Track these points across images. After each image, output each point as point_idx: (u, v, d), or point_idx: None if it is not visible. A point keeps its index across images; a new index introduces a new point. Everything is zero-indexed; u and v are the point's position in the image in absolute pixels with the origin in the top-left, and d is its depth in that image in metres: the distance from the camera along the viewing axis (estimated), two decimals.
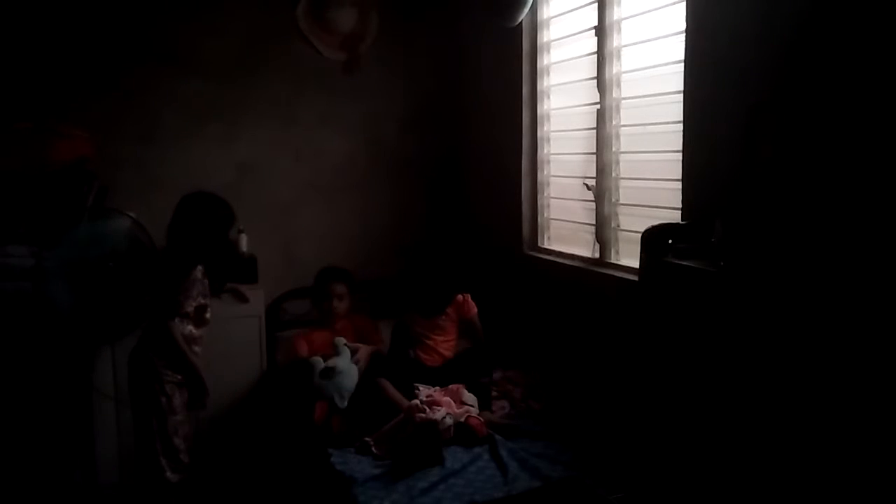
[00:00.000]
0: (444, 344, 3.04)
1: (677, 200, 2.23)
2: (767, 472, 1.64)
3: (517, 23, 2.96)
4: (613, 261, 2.67)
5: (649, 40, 2.39)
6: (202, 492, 2.77)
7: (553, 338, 2.97)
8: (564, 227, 3.06)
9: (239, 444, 3.11)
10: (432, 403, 2.57)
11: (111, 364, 2.87)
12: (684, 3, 2.16)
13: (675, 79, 2.22)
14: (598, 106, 2.63)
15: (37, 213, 2.77)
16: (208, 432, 2.95)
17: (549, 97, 3.09)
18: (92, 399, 2.84)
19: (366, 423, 2.62)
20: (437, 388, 2.74)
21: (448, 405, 2.58)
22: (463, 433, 2.48)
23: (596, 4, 2.63)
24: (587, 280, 2.72)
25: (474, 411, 2.60)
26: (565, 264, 2.91)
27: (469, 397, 2.68)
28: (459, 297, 3.11)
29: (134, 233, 2.63)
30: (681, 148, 2.20)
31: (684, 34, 2.16)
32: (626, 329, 2.33)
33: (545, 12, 3.06)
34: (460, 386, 2.73)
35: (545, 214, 3.18)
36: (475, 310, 3.12)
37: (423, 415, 2.47)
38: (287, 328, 3.37)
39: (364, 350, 2.97)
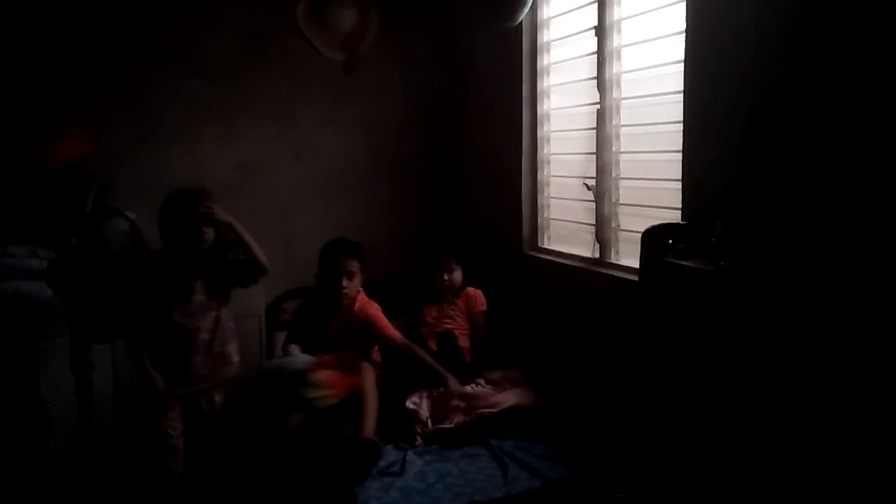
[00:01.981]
0: (452, 329, 3.09)
1: (677, 200, 2.23)
2: (767, 472, 1.64)
3: (517, 23, 2.96)
4: (613, 261, 2.67)
5: (649, 40, 2.39)
6: (202, 490, 2.76)
7: (553, 338, 2.97)
8: (564, 227, 3.06)
9: (238, 443, 3.10)
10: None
11: (111, 364, 2.86)
12: (684, 3, 2.16)
13: (675, 79, 2.22)
14: (598, 106, 2.63)
15: (37, 213, 2.76)
16: (208, 431, 2.94)
17: (549, 97, 3.09)
18: (93, 399, 2.83)
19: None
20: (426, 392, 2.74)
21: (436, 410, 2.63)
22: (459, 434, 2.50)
23: (596, 4, 2.63)
24: (587, 280, 2.72)
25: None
26: (565, 264, 2.91)
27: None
28: (471, 290, 3.15)
29: (133, 234, 2.62)
30: (681, 148, 2.20)
31: (684, 34, 2.16)
32: (626, 329, 2.33)
33: (545, 12, 3.06)
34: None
35: (545, 214, 3.18)
36: (484, 307, 3.17)
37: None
38: (287, 328, 3.37)
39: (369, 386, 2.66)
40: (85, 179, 2.80)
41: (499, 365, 3.01)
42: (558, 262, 2.97)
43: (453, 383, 2.69)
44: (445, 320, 3.11)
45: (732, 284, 1.70)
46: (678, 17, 2.19)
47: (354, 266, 2.82)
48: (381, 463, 2.34)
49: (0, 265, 2.68)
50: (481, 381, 2.82)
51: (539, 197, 3.17)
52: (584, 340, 2.74)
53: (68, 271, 2.11)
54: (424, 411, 2.59)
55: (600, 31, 2.61)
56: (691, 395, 1.84)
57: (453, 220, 3.83)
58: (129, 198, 2.98)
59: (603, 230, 2.69)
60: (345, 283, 2.78)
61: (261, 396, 2.66)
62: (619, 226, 2.65)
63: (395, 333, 2.84)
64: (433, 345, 3.00)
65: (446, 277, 3.12)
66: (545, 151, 3.13)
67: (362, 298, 2.91)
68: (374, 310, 2.90)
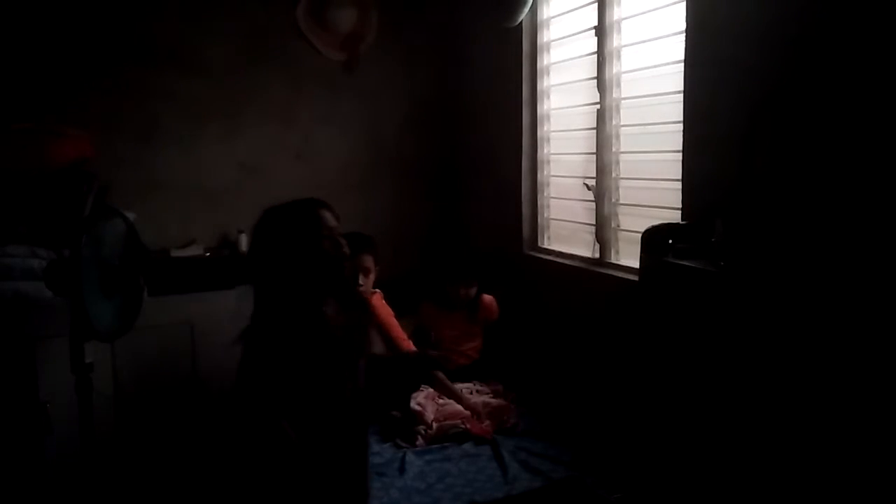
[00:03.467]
0: (473, 349, 3.06)
1: (677, 200, 2.23)
2: (767, 473, 1.64)
3: (517, 23, 2.96)
4: (613, 261, 2.68)
5: (649, 40, 2.39)
6: (201, 490, 2.77)
7: (553, 338, 2.97)
8: (564, 227, 3.06)
9: (236, 444, 3.11)
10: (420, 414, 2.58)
11: (111, 364, 2.86)
12: (684, 3, 2.16)
13: (675, 79, 2.22)
14: (598, 106, 2.63)
15: (37, 213, 2.76)
16: (207, 431, 2.95)
17: (549, 97, 3.09)
18: (92, 399, 2.84)
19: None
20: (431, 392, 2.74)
21: (440, 413, 2.60)
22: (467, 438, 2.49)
23: (596, 4, 2.63)
24: (587, 280, 2.72)
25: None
26: (565, 264, 2.91)
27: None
28: (486, 298, 3.10)
29: (131, 233, 2.62)
30: (681, 148, 2.20)
31: (684, 34, 2.16)
32: (626, 329, 2.33)
33: (545, 12, 3.06)
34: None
35: (545, 214, 3.18)
36: (496, 317, 3.12)
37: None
38: None
39: None
40: (85, 179, 2.81)
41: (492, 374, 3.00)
42: (558, 262, 2.97)
43: (467, 401, 2.67)
44: (471, 339, 3.05)
45: (732, 284, 1.70)
46: (678, 17, 2.19)
47: (369, 262, 2.80)
48: (379, 461, 2.34)
49: (0, 265, 2.68)
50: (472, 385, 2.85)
51: (539, 197, 3.17)
52: (584, 340, 2.74)
53: (66, 272, 2.10)
54: (430, 413, 2.58)
55: (600, 31, 2.61)
56: (691, 395, 1.84)
57: (453, 220, 3.83)
58: (129, 198, 2.99)
59: (603, 230, 2.69)
60: (361, 279, 2.76)
61: None
62: (619, 226, 2.65)
63: (410, 346, 2.82)
64: (456, 357, 2.99)
65: (462, 293, 3.03)
66: (545, 151, 3.13)
67: (377, 300, 2.89)
68: (388, 317, 2.87)
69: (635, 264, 2.21)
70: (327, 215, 1.85)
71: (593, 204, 2.71)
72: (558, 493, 2.14)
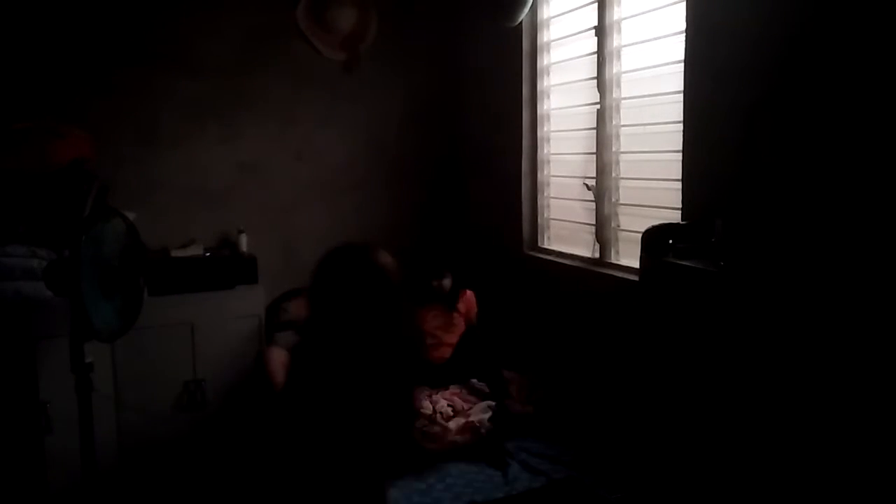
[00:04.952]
0: (453, 340, 3.07)
1: (677, 200, 2.23)
2: (767, 473, 1.64)
3: (517, 23, 2.96)
4: (613, 261, 2.68)
5: (649, 40, 2.39)
6: (202, 491, 2.77)
7: (553, 338, 2.97)
8: (564, 227, 3.06)
9: (238, 443, 3.11)
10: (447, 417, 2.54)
11: (111, 364, 2.86)
12: (684, 3, 2.16)
13: (675, 79, 2.22)
14: (598, 106, 2.63)
15: (37, 213, 2.76)
16: (207, 431, 2.95)
17: (549, 97, 3.09)
18: (92, 399, 2.84)
19: None
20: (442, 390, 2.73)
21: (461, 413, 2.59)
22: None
23: (596, 4, 2.64)
24: (587, 280, 2.72)
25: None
26: (565, 264, 2.91)
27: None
28: (467, 292, 3.14)
29: (131, 233, 2.62)
30: (681, 148, 2.20)
31: (684, 34, 2.16)
32: (626, 329, 2.33)
33: (545, 12, 3.06)
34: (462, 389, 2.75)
35: (545, 214, 3.18)
36: (476, 308, 3.17)
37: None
38: (287, 328, 3.37)
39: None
40: (85, 179, 2.81)
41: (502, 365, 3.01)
42: (558, 262, 2.97)
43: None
44: (451, 330, 3.07)
45: (732, 284, 1.70)
46: (678, 17, 2.19)
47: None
48: None
49: (0, 265, 2.68)
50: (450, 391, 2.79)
51: (539, 197, 3.17)
52: (583, 340, 2.74)
53: (66, 272, 2.10)
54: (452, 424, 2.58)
55: (600, 31, 2.61)
56: (691, 395, 1.84)
57: (453, 220, 3.83)
58: (129, 198, 2.99)
59: (603, 230, 2.69)
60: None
61: None
62: (619, 226, 2.65)
63: None
64: (440, 351, 3.00)
65: (435, 284, 3.07)
66: (545, 151, 3.13)
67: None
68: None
69: (635, 264, 2.21)
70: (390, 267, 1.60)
71: (593, 204, 2.71)
72: (558, 493, 2.14)
